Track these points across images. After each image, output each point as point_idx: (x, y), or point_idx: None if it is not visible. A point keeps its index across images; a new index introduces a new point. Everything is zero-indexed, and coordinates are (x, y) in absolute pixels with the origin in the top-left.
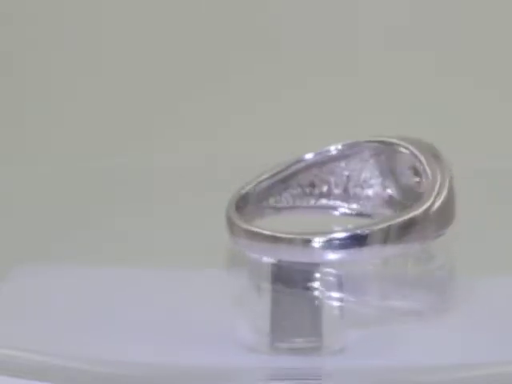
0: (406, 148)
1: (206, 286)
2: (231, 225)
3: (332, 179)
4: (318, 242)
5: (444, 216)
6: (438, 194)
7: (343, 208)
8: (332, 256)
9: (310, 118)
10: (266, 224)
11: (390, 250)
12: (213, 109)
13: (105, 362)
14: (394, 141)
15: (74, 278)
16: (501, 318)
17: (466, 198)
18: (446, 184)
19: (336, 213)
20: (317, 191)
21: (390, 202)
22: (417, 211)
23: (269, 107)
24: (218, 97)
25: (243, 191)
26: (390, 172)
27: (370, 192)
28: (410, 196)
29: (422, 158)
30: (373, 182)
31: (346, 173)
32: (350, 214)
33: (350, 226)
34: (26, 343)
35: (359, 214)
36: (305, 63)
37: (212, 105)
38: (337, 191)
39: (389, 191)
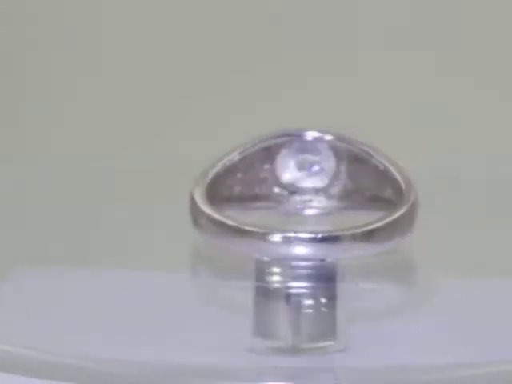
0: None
1: (207, 286)
2: (195, 209)
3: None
4: (277, 237)
5: (409, 221)
6: (407, 204)
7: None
8: (296, 252)
9: (309, 118)
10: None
11: (356, 250)
12: (213, 109)
13: (105, 361)
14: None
15: (73, 279)
16: (487, 319)
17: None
18: (413, 192)
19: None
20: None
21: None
22: (381, 222)
23: (269, 107)
24: (217, 97)
25: (210, 175)
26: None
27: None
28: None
29: (385, 162)
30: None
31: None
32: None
33: (320, 227)
34: (26, 343)
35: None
36: (305, 63)
37: (212, 105)
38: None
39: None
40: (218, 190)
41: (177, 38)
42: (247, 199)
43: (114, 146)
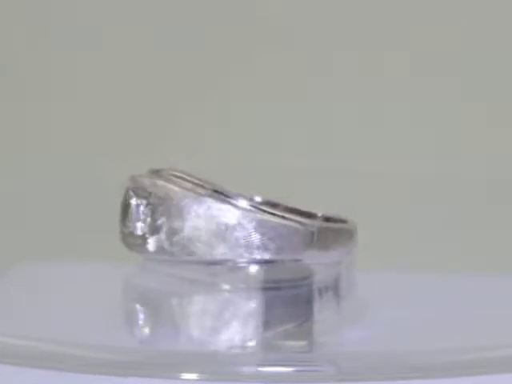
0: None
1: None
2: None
3: None
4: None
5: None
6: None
7: None
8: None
9: (308, 120)
10: None
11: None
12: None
13: (104, 348)
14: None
15: (72, 275)
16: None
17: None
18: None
19: None
20: None
21: None
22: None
23: (267, 110)
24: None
25: None
26: None
27: None
28: None
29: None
30: None
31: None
32: None
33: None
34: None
35: None
36: (303, 65)
37: (205, 112)
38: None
39: None
40: None
41: (172, 46)
42: None
43: (114, 147)
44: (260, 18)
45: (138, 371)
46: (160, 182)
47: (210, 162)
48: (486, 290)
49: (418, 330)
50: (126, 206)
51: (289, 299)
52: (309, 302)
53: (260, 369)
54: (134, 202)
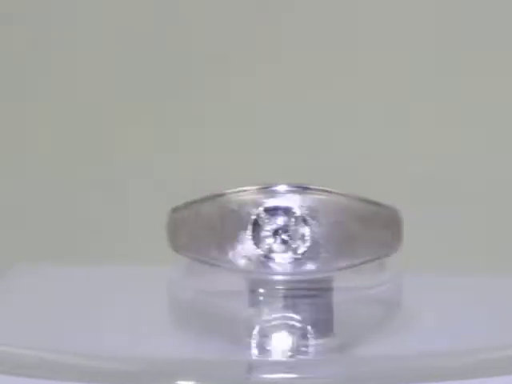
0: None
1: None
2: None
3: None
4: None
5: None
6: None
7: None
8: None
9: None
10: None
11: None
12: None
13: (106, 358)
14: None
15: (71, 276)
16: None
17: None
18: None
19: None
20: None
21: None
22: None
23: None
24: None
25: None
26: None
27: None
28: None
29: None
30: None
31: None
32: None
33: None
34: (24, 340)
35: None
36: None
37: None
38: None
39: None
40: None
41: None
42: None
43: (112, 147)
44: (260, 20)
45: (135, 380)
46: (308, 196)
47: (210, 162)
48: (489, 290)
49: (420, 331)
50: (258, 226)
51: (312, 306)
52: (330, 308)
53: (265, 375)
54: (278, 220)
